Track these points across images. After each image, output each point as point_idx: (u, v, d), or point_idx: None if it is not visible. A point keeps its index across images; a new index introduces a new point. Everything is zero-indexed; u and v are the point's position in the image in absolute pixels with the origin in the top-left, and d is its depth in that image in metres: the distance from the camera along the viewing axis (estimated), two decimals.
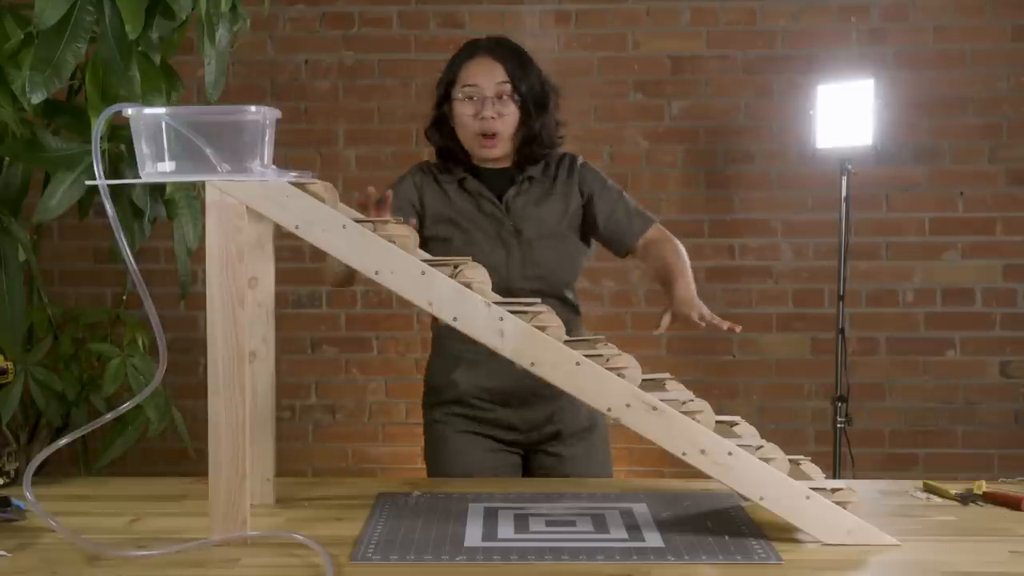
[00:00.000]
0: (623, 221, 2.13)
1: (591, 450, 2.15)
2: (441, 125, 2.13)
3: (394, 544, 1.42)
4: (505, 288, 1.96)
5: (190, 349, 2.89)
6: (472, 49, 2.11)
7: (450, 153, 2.14)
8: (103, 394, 1.88)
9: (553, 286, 2.09)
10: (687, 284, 2.00)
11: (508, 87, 2.06)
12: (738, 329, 1.87)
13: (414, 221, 1.95)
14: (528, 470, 2.15)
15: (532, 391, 2.06)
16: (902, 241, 3.75)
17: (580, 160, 2.18)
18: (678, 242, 2.13)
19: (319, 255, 1.44)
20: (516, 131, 2.09)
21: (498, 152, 2.08)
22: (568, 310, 2.12)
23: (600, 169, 2.20)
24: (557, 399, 2.08)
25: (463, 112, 2.07)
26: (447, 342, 2.13)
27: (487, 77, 2.06)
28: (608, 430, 2.20)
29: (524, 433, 2.12)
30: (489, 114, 2.05)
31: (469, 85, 2.07)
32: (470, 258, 1.47)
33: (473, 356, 2.06)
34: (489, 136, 2.06)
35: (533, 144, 2.10)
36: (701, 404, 1.45)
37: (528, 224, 2.09)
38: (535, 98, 2.09)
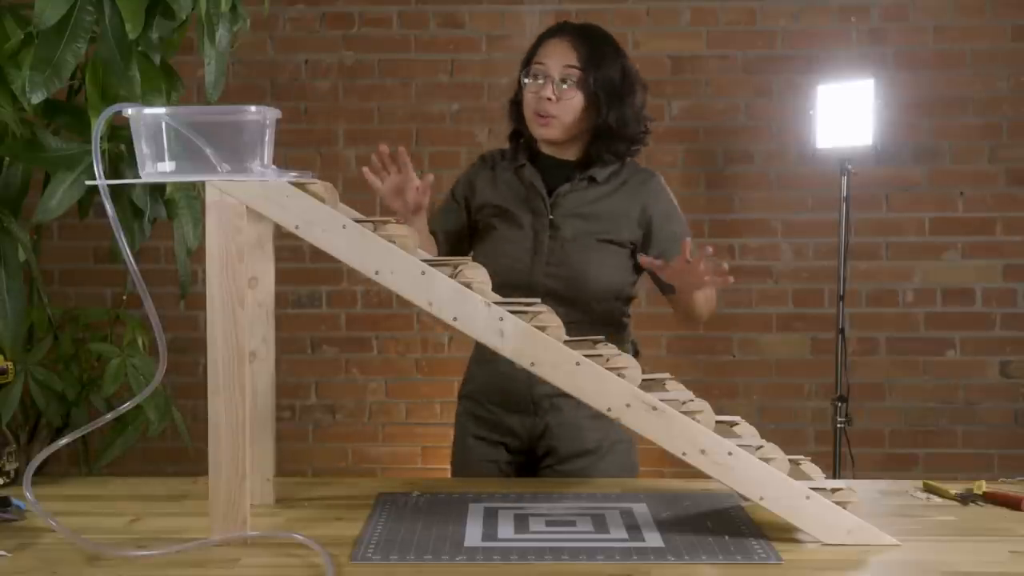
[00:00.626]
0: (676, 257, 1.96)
1: (601, 470, 2.03)
2: (518, 104, 2.07)
3: (394, 544, 1.42)
4: (524, 282, 1.94)
5: (190, 349, 2.89)
6: (555, 29, 2.04)
7: (520, 136, 2.08)
8: (103, 394, 1.88)
9: (577, 293, 1.98)
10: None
11: (576, 72, 1.97)
12: (730, 280, 1.80)
13: (430, 176, 1.92)
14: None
15: (532, 399, 2.03)
16: (902, 241, 3.75)
17: (658, 180, 2.08)
18: (714, 293, 2.03)
19: (319, 255, 1.44)
20: (580, 120, 1.99)
21: (553, 133, 2.00)
22: (593, 321, 1.97)
23: (673, 197, 2.09)
24: (552, 412, 2.02)
25: (528, 90, 2.01)
26: None
27: (556, 58, 1.98)
28: (627, 454, 2.07)
29: (524, 441, 2.07)
30: (546, 94, 1.97)
31: (538, 63, 1.99)
32: (470, 258, 1.47)
33: (487, 355, 2.03)
34: (544, 115, 1.98)
35: (604, 137, 2.00)
36: (701, 404, 1.45)
37: (569, 224, 2.01)
38: (609, 89, 1.98)
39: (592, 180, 2.03)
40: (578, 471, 2.02)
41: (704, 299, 2.01)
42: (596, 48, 1.99)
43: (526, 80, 2.02)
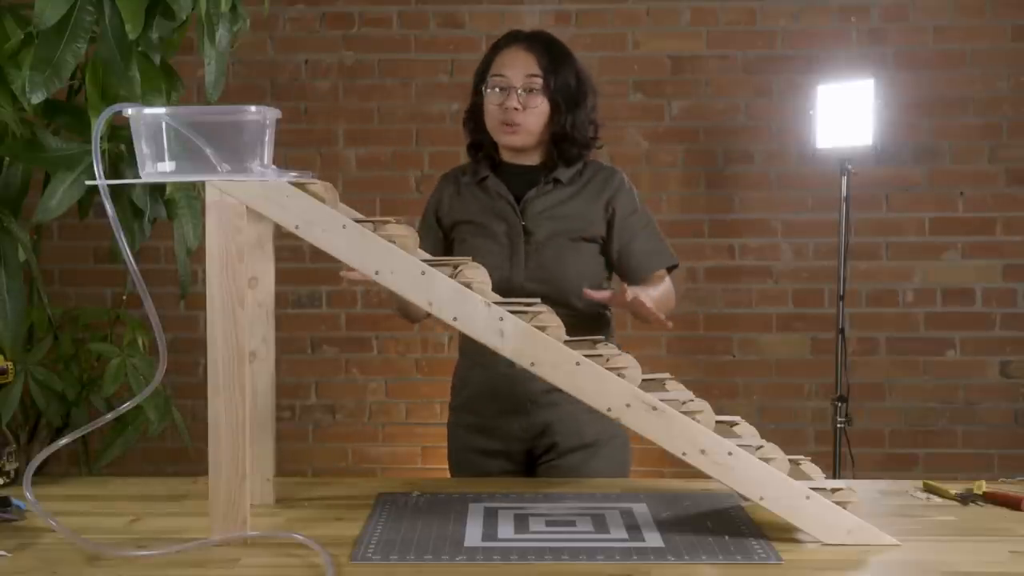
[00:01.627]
0: (636, 255, 2.07)
1: (595, 466, 2.04)
2: (475, 114, 2.09)
3: (394, 544, 1.42)
4: (507, 289, 1.93)
5: (190, 349, 2.89)
6: (509, 39, 2.07)
7: (480, 147, 2.10)
8: (103, 394, 1.88)
9: (559, 293, 1.99)
10: (647, 290, 1.94)
11: (538, 80, 2.01)
12: (669, 325, 1.86)
13: None
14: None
15: (528, 397, 2.04)
16: (902, 241, 3.75)
17: (620, 177, 2.11)
18: (673, 291, 2.08)
19: (319, 255, 1.44)
20: (545, 128, 2.04)
21: (519, 141, 2.03)
22: (577, 319, 1.94)
23: (637, 193, 2.12)
24: (549, 408, 2.04)
25: (490, 101, 2.04)
26: (464, 343, 2.12)
27: (517, 68, 2.01)
28: (623, 449, 2.10)
29: (524, 442, 2.08)
30: (512, 104, 2.00)
31: (498, 75, 2.03)
32: (470, 258, 1.47)
33: (479, 359, 2.06)
34: (510, 124, 2.01)
35: (563, 143, 2.04)
36: (701, 404, 1.45)
37: (541, 227, 2.04)
38: (567, 95, 2.03)
39: (557, 182, 2.07)
40: (576, 464, 2.04)
41: (659, 312, 1.98)
42: (554, 55, 2.04)
43: (487, 91, 2.04)
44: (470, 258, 1.47)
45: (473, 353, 2.07)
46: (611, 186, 2.09)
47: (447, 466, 2.19)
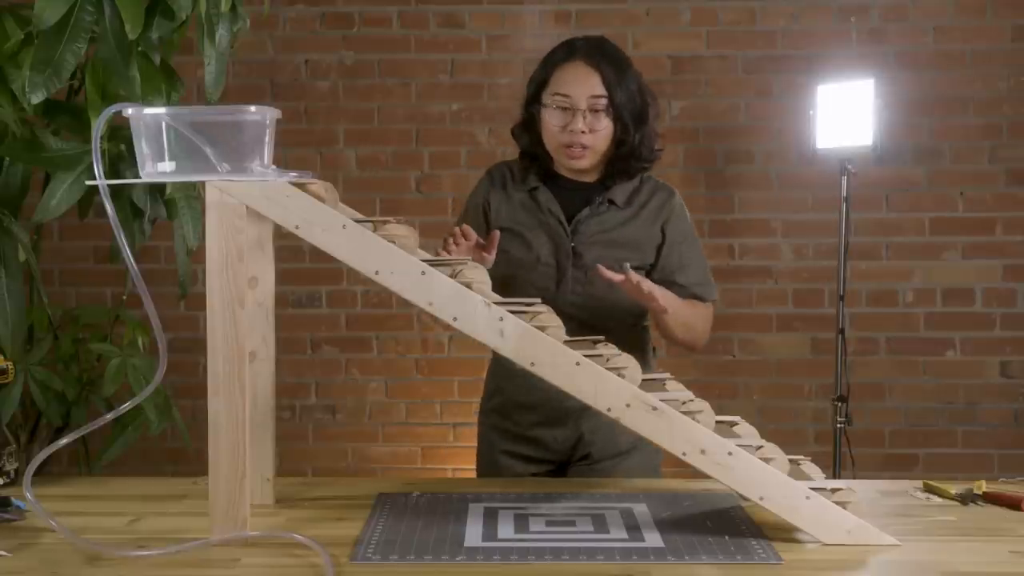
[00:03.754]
0: (680, 286, 1.98)
1: (627, 468, 2.02)
2: (529, 126, 1.98)
3: (394, 544, 1.42)
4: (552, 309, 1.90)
5: (190, 349, 2.89)
6: (568, 51, 1.93)
7: (534, 157, 2.00)
8: (103, 394, 1.88)
9: (603, 319, 1.92)
10: (667, 296, 1.88)
11: (604, 101, 1.89)
12: (668, 311, 1.83)
13: (497, 233, 1.87)
14: None
15: (563, 409, 1.98)
16: (902, 241, 3.75)
17: (677, 201, 2.02)
18: (702, 320, 2.00)
19: (319, 255, 1.44)
20: (609, 146, 1.94)
21: (586, 163, 1.94)
22: (628, 345, 1.89)
23: (690, 218, 2.05)
24: (586, 419, 1.99)
25: (551, 121, 1.92)
26: None
27: (581, 87, 1.89)
28: (656, 452, 2.02)
29: (556, 453, 2.04)
30: (580, 127, 1.89)
31: (561, 94, 1.91)
32: (470, 258, 1.47)
33: (516, 368, 2.01)
34: (576, 147, 1.91)
35: (629, 159, 1.95)
36: (701, 404, 1.45)
37: (591, 249, 1.95)
38: (633, 111, 1.92)
39: (611, 203, 1.99)
40: (608, 468, 2.01)
41: (677, 324, 1.95)
42: (616, 69, 1.92)
43: (548, 109, 1.93)
44: (470, 258, 1.47)
45: (508, 361, 2.03)
46: (666, 210, 2.01)
47: (474, 466, 2.17)
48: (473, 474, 2.20)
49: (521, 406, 2.04)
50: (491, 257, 1.86)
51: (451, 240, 1.82)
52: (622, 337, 1.88)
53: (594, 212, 1.98)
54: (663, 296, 1.84)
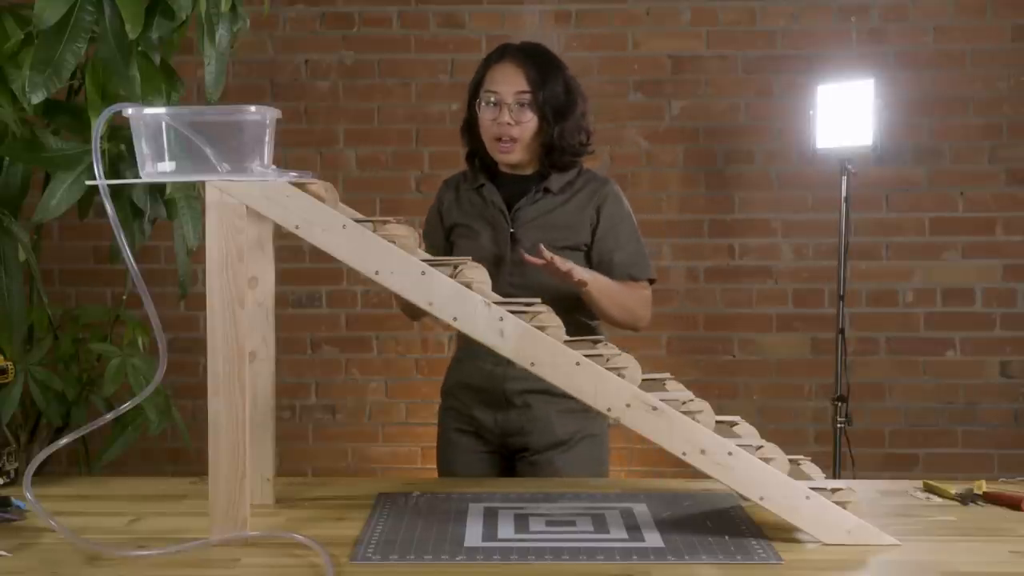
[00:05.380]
0: (615, 265, 2.10)
1: (570, 461, 2.11)
2: (471, 126, 2.16)
3: (394, 544, 1.42)
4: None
5: (190, 349, 2.89)
6: (500, 53, 2.13)
7: (476, 155, 2.17)
8: (103, 394, 1.88)
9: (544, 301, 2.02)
10: (594, 274, 2.01)
11: (527, 96, 2.07)
12: (585, 285, 1.95)
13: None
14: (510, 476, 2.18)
15: (504, 396, 2.11)
16: (902, 241, 3.75)
17: (611, 188, 2.16)
18: (638, 300, 2.11)
19: (319, 255, 1.44)
20: (535, 138, 2.10)
21: (514, 157, 2.11)
22: (568, 329, 2.03)
23: (628, 205, 2.16)
24: (524, 408, 2.11)
25: (484, 116, 2.10)
26: (460, 335, 2.15)
27: (507, 84, 2.08)
28: (599, 448, 2.16)
29: (497, 436, 2.15)
30: (506, 119, 2.07)
31: (490, 91, 2.09)
32: (470, 258, 1.47)
33: (467, 351, 2.16)
34: (505, 141, 2.08)
35: (553, 152, 2.10)
36: (701, 404, 1.45)
37: (529, 235, 2.09)
38: (555, 106, 2.08)
39: (547, 191, 2.12)
40: (549, 461, 2.11)
41: (612, 305, 2.06)
42: (542, 68, 2.09)
43: (482, 105, 2.10)
44: (470, 258, 1.47)
45: (465, 344, 2.16)
46: (600, 195, 2.14)
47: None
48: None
49: (467, 387, 2.18)
50: None
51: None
52: (566, 320, 1.95)
53: (531, 199, 2.12)
54: (582, 272, 1.96)
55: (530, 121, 2.08)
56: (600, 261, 2.12)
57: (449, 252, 2.17)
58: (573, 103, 2.11)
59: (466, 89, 2.18)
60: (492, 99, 2.09)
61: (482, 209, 2.15)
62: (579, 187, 2.14)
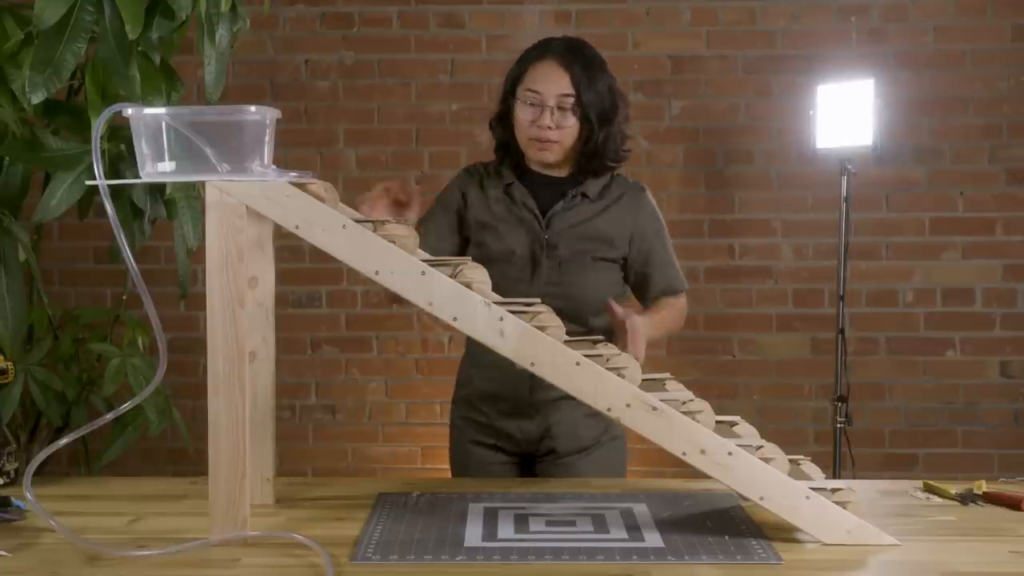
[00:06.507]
0: (652, 280, 2.07)
1: (591, 466, 2.06)
2: (504, 119, 2.06)
3: (394, 544, 1.42)
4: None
5: (190, 349, 2.89)
6: (543, 50, 2.01)
7: (508, 149, 2.07)
8: (103, 394, 1.88)
9: (576, 310, 1.97)
10: (651, 316, 1.97)
11: (571, 99, 1.97)
12: (639, 359, 1.83)
13: (418, 189, 1.92)
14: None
15: (529, 402, 2.04)
16: (902, 241, 3.75)
17: (647, 198, 2.09)
18: (678, 316, 2.11)
19: (319, 255, 1.44)
20: (576, 142, 2.01)
21: (552, 157, 2.01)
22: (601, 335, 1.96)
23: (660, 214, 2.11)
24: (551, 414, 2.05)
25: (522, 116, 2.00)
26: (469, 339, 2.11)
27: (551, 85, 1.97)
28: (620, 451, 2.12)
29: (521, 445, 2.09)
30: (547, 123, 1.97)
31: (532, 90, 1.98)
32: (469, 258, 1.47)
33: (484, 359, 2.04)
34: (543, 141, 1.99)
35: (594, 158, 2.02)
36: (701, 404, 1.45)
37: (565, 242, 2.01)
38: (599, 111, 1.99)
39: (584, 196, 2.04)
40: (573, 465, 2.06)
41: (660, 335, 2.06)
42: (586, 69, 1.98)
43: (520, 104, 2.00)
44: (469, 258, 1.47)
45: (477, 352, 2.06)
46: (637, 205, 2.07)
47: (448, 462, 2.19)
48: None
49: (489, 397, 2.09)
50: (412, 215, 1.90)
51: (370, 197, 1.86)
52: (596, 327, 2.01)
53: (568, 205, 2.04)
54: (643, 333, 1.86)
55: (572, 126, 1.98)
56: (637, 275, 2.07)
57: (463, 246, 2.08)
58: (616, 107, 2.01)
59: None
60: (533, 99, 1.98)
61: (512, 210, 2.04)
62: (615, 195, 2.06)
